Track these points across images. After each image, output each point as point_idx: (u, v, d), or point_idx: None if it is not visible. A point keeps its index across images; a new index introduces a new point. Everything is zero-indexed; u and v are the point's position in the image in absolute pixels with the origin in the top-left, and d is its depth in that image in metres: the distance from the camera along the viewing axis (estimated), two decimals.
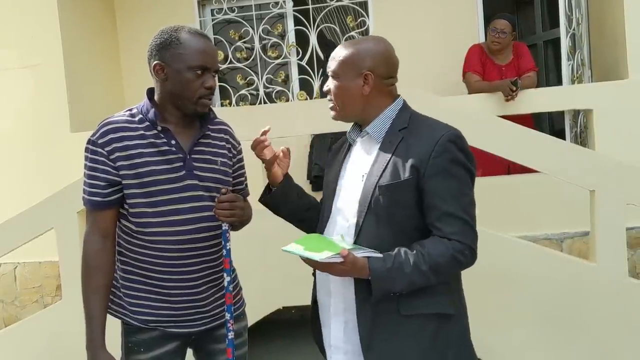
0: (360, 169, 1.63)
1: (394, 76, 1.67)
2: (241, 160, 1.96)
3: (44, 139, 4.45)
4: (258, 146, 1.73)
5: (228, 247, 1.77)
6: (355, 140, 1.70)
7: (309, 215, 1.81)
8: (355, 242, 1.56)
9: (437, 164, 1.50)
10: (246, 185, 2.01)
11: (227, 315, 1.78)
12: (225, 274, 1.78)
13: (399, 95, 1.69)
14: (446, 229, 1.49)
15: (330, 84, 1.66)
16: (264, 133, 1.74)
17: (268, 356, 3.68)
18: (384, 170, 1.55)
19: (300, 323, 4.16)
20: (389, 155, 1.56)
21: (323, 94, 4.81)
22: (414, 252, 1.49)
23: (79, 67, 4.58)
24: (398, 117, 1.63)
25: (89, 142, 1.73)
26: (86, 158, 1.74)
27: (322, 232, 1.70)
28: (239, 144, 1.95)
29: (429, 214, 1.52)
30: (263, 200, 1.84)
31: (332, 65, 1.65)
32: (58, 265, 3.40)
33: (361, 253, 1.49)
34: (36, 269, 4.46)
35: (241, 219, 1.79)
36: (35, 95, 4.48)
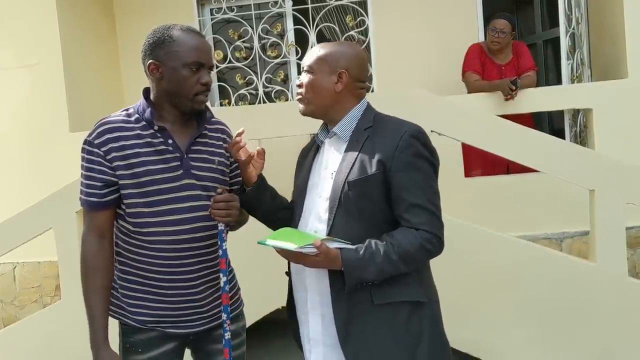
0: (330, 167, 1.70)
1: (365, 81, 1.75)
2: None
3: (42, 138, 4.44)
4: (233, 147, 1.75)
5: (224, 247, 1.77)
6: (323, 142, 1.77)
7: (282, 216, 1.85)
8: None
9: (402, 158, 1.59)
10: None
11: (224, 316, 1.77)
12: (221, 274, 1.78)
13: (364, 97, 1.77)
14: (414, 220, 1.57)
15: (304, 77, 1.73)
16: (239, 135, 1.76)
17: (267, 356, 3.67)
18: (351, 167, 1.62)
19: None
20: (356, 153, 1.64)
21: None
22: (384, 242, 1.56)
23: (77, 65, 4.57)
24: (363, 117, 1.71)
25: (86, 142, 1.73)
26: (83, 158, 1.73)
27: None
28: None
29: (397, 206, 1.60)
30: None
31: (308, 60, 1.72)
32: (57, 265, 3.40)
33: (333, 244, 1.54)
34: (35, 268, 4.45)
35: (237, 219, 1.79)
36: (33, 94, 4.48)
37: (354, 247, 1.55)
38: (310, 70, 1.71)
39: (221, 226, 1.75)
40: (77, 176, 3.02)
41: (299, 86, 1.74)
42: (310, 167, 1.78)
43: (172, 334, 1.80)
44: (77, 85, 4.55)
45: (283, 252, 1.57)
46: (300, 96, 1.74)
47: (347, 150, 1.67)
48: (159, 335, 1.78)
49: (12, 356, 3.37)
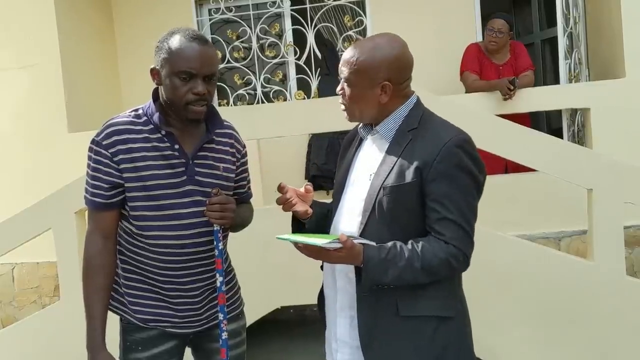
0: (369, 167, 1.63)
1: (409, 77, 1.64)
2: (245, 163, 1.94)
3: (41, 139, 4.44)
4: (284, 206, 1.67)
5: (220, 247, 1.77)
6: (365, 137, 1.70)
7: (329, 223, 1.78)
8: None
9: (440, 168, 1.49)
10: (249, 188, 2.00)
11: (220, 316, 1.78)
12: (217, 274, 1.78)
13: (413, 92, 1.66)
14: (444, 232, 1.50)
15: (345, 89, 1.62)
16: (281, 189, 1.66)
17: (267, 356, 3.68)
18: (390, 172, 1.54)
19: (299, 323, 4.16)
20: (396, 157, 1.56)
21: (321, 94, 4.77)
22: (410, 247, 1.49)
23: (76, 66, 4.57)
24: (409, 117, 1.61)
25: (93, 142, 1.72)
26: (89, 158, 1.73)
27: (329, 227, 1.71)
28: (244, 147, 1.94)
29: (429, 216, 1.52)
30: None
31: (345, 71, 1.60)
32: (56, 266, 3.39)
33: (357, 241, 1.49)
34: (34, 269, 4.45)
35: (233, 222, 1.78)
36: (32, 95, 4.47)
37: (377, 246, 1.49)
38: (349, 82, 1.60)
39: (217, 226, 1.75)
40: (76, 176, 3.02)
41: (340, 94, 1.64)
42: (350, 162, 1.71)
43: (172, 333, 1.80)
44: (76, 85, 4.55)
45: (306, 248, 1.49)
46: (343, 106, 1.65)
47: (388, 152, 1.59)
48: (160, 334, 1.79)
49: (11, 357, 3.37)
